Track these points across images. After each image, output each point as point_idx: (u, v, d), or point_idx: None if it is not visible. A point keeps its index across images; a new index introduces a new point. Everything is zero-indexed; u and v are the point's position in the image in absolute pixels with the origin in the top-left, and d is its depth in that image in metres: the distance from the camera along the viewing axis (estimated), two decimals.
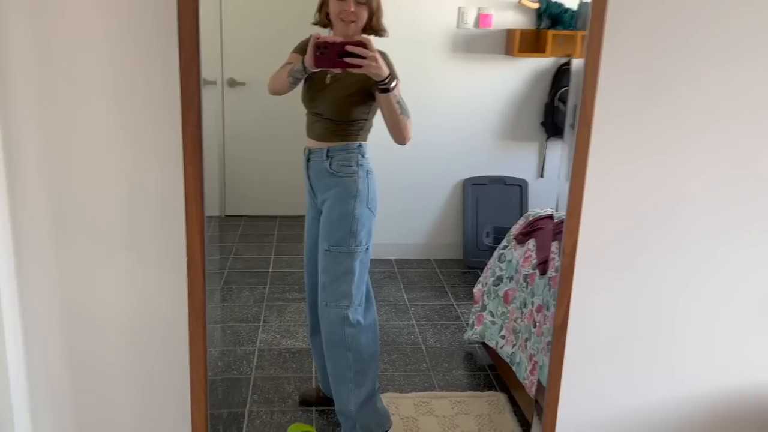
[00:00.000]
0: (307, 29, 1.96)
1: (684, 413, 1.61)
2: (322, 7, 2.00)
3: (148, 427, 1.50)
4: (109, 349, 1.42)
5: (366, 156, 2.02)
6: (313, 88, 1.99)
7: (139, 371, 1.45)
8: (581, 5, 3.08)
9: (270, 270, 3.49)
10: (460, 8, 3.39)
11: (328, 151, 1.99)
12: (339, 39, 1.76)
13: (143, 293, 1.39)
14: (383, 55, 1.89)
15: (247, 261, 3.60)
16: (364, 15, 1.90)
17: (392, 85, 1.80)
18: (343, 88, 1.93)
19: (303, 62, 1.83)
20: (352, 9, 1.87)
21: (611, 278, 1.49)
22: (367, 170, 2.02)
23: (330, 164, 2.00)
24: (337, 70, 1.81)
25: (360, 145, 2.00)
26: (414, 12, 3.33)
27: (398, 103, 1.84)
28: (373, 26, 1.95)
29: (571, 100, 2.33)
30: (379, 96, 1.82)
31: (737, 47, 1.43)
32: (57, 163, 1.32)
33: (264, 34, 3.57)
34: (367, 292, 2.12)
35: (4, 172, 1.30)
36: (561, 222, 1.67)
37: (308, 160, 2.06)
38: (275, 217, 4.13)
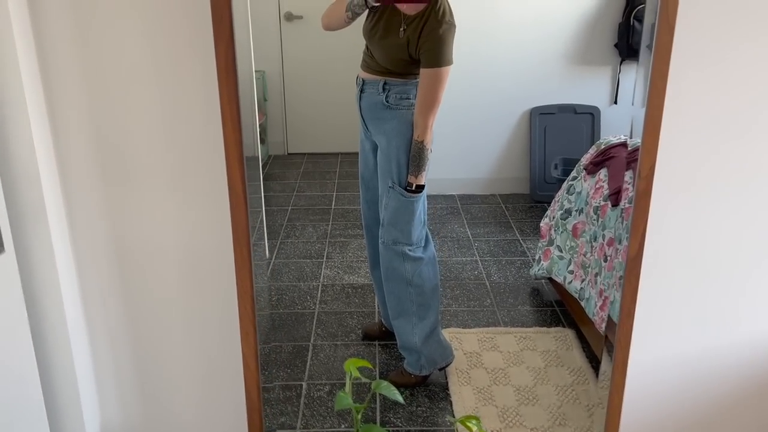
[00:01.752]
0: None
1: (759, 354, 1.49)
2: None
3: (200, 362, 1.52)
4: (160, 284, 1.43)
5: None
6: (380, 33, 1.87)
7: (190, 305, 1.46)
8: None
9: (332, 207, 3.48)
10: None
11: (384, 83, 1.91)
12: None
13: (189, 227, 1.38)
14: (445, 35, 1.77)
15: (310, 198, 3.60)
16: None
17: None
18: (404, 50, 1.82)
19: None
20: None
21: (690, 205, 1.35)
22: None
23: (386, 97, 1.91)
24: (404, 7, 1.73)
25: (417, 79, 1.91)
26: None
27: None
28: None
29: (648, 17, 2.13)
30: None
31: None
32: (98, 104, 1.30)
33: None
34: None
35: (48, 117, 1.29)
36: (635, 150, 1.54)
37: (362, 91, 1.98)
38: (337, 154, 4.09)
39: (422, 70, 1.82)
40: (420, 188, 1.93)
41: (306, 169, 3.97)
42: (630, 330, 1.36)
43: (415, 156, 1.89)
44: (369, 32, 1.92)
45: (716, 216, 1.37)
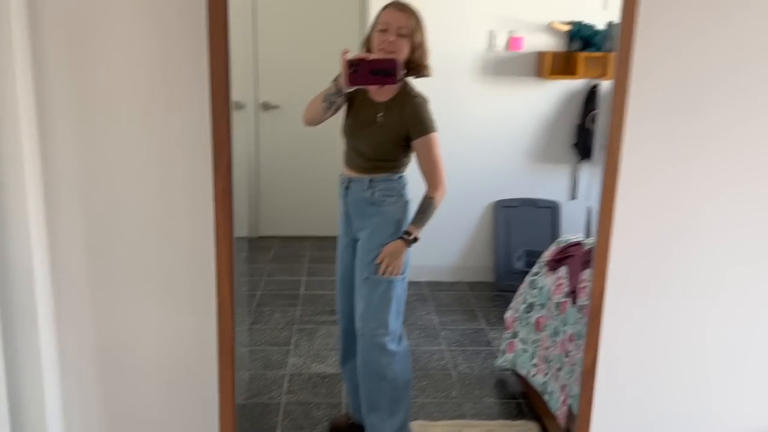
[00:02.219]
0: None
1: None
2: (367, 42, 2.00)
3: None
4: (141, 384, 1.46)
5: (407, 187, 2.04)
6: (359, 124, 1.99)
7: (170, 409, 1.48)
8: (611, 26, 3.06)
9: (301, 292, 3.52)
10: (490, 31, 3.40)
11: (370, 181, 2.01)
12: (371, 56, 1.79)
13: (174, 331, 1.42)
14: (421, 107, 1.92)
15: (279, 283, 3.63)
16: (405, 48, 1.90)
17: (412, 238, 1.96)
18: (388, 131, 1.95)
19: (336, 83, 1.86)
20: (392, 39, 1.88)
21: (640, 320, 1.46)
22: (407, 201, 2.04)
23: (372, 193, 2.01)
24: (374, 88, 1.86)
25: (401, 177, 2.03)
26: (445, 36, 3.31)
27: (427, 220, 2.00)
28: (415, 61, 1.94)
29: (602, 121, 2.30)
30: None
31: None
32: (92, 204, 1.37)
33: (299, 58, 3.63)
34: None
35: (43, 212, 1.35)
36: (590, 250, 1.65)
37: (347, 188, 2.07)
38: (307, 237, 4.17)
39: (416, 142, 1.94)
40: (415, 240, 2.01)
41: (277, 253, 4.01)
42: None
43: (423, 209, 1.99)
44: (350, 129, 2.03)
45: (666, 329, 1.48)
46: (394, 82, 1.75)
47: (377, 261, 1.98)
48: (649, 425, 1.55)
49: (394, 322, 2.05)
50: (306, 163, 3.82)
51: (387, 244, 2.00)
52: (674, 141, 1.42)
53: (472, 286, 3.63)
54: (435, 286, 3.59)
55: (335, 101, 1.93)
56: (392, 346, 2.05)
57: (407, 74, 1.96)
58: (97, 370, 1.43)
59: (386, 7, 1.94)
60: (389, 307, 2.02)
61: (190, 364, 1.44)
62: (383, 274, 1.97)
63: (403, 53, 1.90)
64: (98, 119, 1.34)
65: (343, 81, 1.81)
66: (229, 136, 1.21)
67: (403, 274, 2.05)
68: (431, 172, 1.98)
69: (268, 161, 3.63)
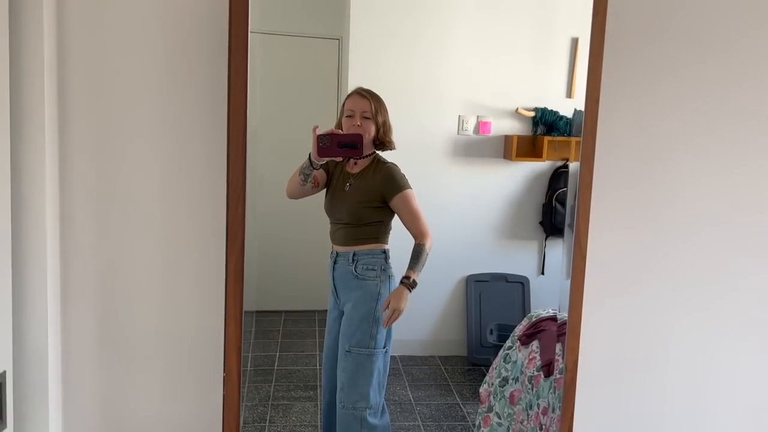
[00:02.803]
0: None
1: None
2: (338, 127, 2.21)
3: None
4: None
5: (389, 261, 2.15)
6: (334, 197, 2.15)
7: None
8: (576, 113, 3.30)
9: (275, 367, 3.50)
10: (460, 116, 3.61)
11: (354, 254, 2.12)
12: (338, 131, 1.98)
13: (179, 405, 1.45)
14: (393, 171, 2.07)
15: (253, 358, 3.61)
16: (372, 129, 2.12)
17: (411, 281, 2.07)
18: (359, 194, 2.09)
19: (309, 157, 2.00)
20: (359, 123, 2.09)
21: (614, 392, 1.55)
22: (390, 275, 2.14)
23: (355, 267, 2.11)
24: (338, 159, 2.02)
25: (384, 251, 2.13)
26: (417, 120, 3.54)
27: (422, 265, 2.11)
28: (380, 138, 2.15)
29: (569, 200, 2.46)
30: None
31: (734, 139, 1.54)
32: (104, 282, 1.42)
33: (281, 139, 3.77)
34: None
35: (58, 293, 1.40)
36: (563, 323, 1.75)
37: (335, 262, 2.18)
38: (280, 312, 4.17)
39: (394, 201, 2.10)
40: (414, 284, 2.11)
41: (247, 328, 4.00)
42: None
43: (415, 255, 2.12)
44: (328, 202, 2.18)
45: (641, 403, 1.56)
46: (359, 155, 1.94)
47: (382, 309, 2.05)
48: None
49: (375, 395, 2.09)
50: (279, 239, 3.90)
51: (369, 316, 2.07)
52: (639, 215, 1.54)
53: (445, 360, 3.68)
54: (408, 360, 3.62)
55: (309, 173, 2.08)
56: (373, 420, 2.08)
57: (376, 149, 2.16)
58: None
59: (350, 95, 2.18)
60: (370, 381, 2.07)
61: None
62: (388, 323, 2.04)
63: (369, 133, 2.13)
64: (116, 205, 1.41)
65: (313, 154, 1.96)
66: (243, 213, 1.29)
67: (385, 347, 2.11)
68: (415, 223, 2.10)
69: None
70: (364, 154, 2.17)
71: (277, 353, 3.68)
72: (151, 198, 1.40)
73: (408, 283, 2.10)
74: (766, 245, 1.59)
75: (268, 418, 2.92)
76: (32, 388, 1.31)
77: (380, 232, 2.15)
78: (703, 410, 1.60)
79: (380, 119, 2.16)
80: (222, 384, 1.40)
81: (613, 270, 1.53)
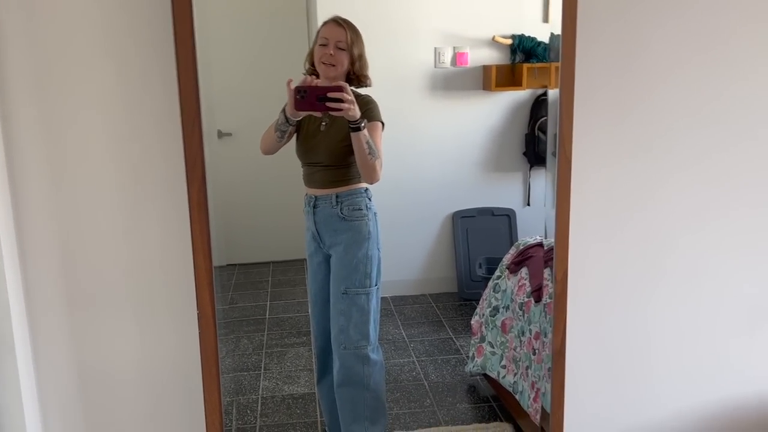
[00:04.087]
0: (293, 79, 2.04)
1: (682, 426, 1.65)
2: (310, 55, 2.08)
3: None
4: (123, 403, 1.44)
5: (372, 199, 2.08)
6: (308, 139, 2.05)
7: (153, 424, 1.46)
8: (552, 38, 3.20)
9: (267, 316, 3.50)
10: (436, 48, 3.51)
11: (337, 196, 2.04)
12: (316, 82, 1.84)
13: (155, 349, 1.41)
14: (370, 101, 1.98)
15: (243, 309, 3.60)
16: (345, 60, 1.99)
17: (362, 125, 1.84)
18: (337, 133, 1.99)
19: (284, 113, 1.90)
20: (332, 52, 1.97)
21: (603, 302, 1.54)
22: (375, 212, 2.08)
23: (341, 209, 2.04)
24: (318, 114, 1.89)
25: (366, 189, 2.07)
26: (392, 54, 3.44)
27: (368, 143, 1.88)
28: (356, 72, 2.03)
29: (551, 129, 2.41)
30: (352, 135, 1.86)
31: (713, 61, 1.49)
32: (65, 225, 1.36)
33: (250, 85, 3.66)
34: None
35: (15, 236, 1.34)
36: (551, 249, 1.73)
37: (315, 206, 2.09)
38: (268, 263, 4.16)
39: (351, 135, 1.88)
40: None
41: (237, 281, 3.99)
42: (561, 419, 1.47)
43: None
44: (301, 147, 2.07)
45: (629, 309, 1.55)
46: (340, 109, 1.77)
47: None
48: (620, 404, 1.61)
49: (373, 332, 2.08)
50: (261, 190, 3.84)
51: (363, 257, 2.04)
52: (621, 139, 1.51)
53: (436, 297, 3.69)
54: (399, 300, 3.63)
55: (286, 130, 1.97)
56: (374, 356, 2.08)
57: (350, 84, 2.04)
58: (76, 391, 1.41)
59: (326, 22, 2.04)
60: (369, 318, 2.05)
61: (172, 383, 1.43)
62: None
63: (342, 65, 1.99)
64: (70, 144, 1.34)
65: (289, 109, 1.85)
66: (201, 138, 1.23)
67: (377, 284, 2.08)
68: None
69: (223, 189, 3.63)
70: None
71: (268, 303, 3.67)
72: (105, 136, 1.33)
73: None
74: (753, 149, 1.56)
75: (263, 366, 2.92)
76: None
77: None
78: (690, 316, 1.60)
79: (356, 51, 2.02)
80: (197, 323, 1.35)
81: (599, 177, 1.49)
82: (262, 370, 2.88)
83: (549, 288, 2.11)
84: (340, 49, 1.99)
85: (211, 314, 1.29)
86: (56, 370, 1.40)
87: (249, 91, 3.67)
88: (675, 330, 1.60)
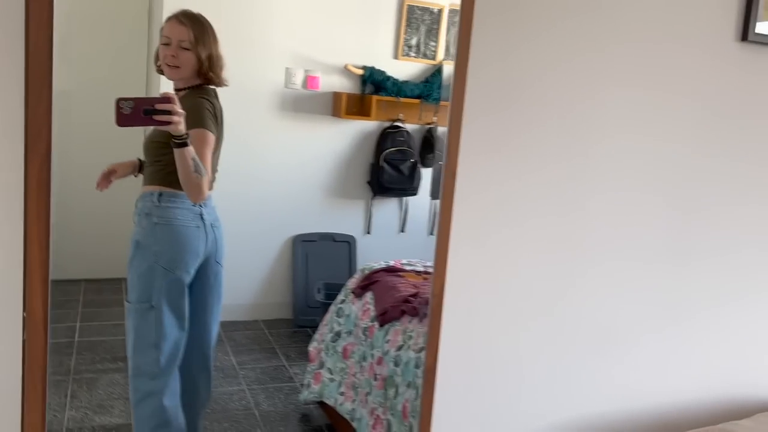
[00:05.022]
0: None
1: None
2: (156, 56, 1.93)
3: None
4: None
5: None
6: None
7: None
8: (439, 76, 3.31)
9: (76, 339, 3.11)
10: (287, 68, 3.46)
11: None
12: (145, 97, 1.70)
13: None
14: (205, 101, 1.86)
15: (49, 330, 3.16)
16: (191, 61, 1.87)
17: (188, 140, 1.70)
18: (155, 132, 1.84)
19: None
20: (173, 54, 1.84)
21: (476, 319, 1.53)
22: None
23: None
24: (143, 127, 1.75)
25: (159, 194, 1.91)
26: (242, 68, 3.30)
27: (193, 159, 1.73)
28: (204, 72, 1.91)
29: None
30: (175, 151, 1.71)
31: (592, 88, 1.58)
32: None
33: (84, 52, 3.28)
34: None
35: None
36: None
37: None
38: (79, 281, 3.72)
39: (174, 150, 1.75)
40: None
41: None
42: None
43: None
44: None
45: (499, 327, 1.57)
46: (170, 122, 1.62)
47: None
48: (487, 421, 1.61)
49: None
50: (72, 201, 3.44)
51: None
52: (504, 163, 1.51)
53: (270, 324, 3.55)
54: (230, 326, 3.42)
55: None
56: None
57: (204, 83, 1.93)
58: None
59: (168, 19, 1.91)
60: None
61: None
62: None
63: (188, 66, 1.88)
64: None
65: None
66: (50, 112, 1.03)
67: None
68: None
69: None
70: (182, 88, 1.92)
71: (78, 324, 3.27)
72: None
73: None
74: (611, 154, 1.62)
75: (69, 393, 2.56)
76: None
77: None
78: (552, 337, 1.64)
79: (203, 51, 1.88)
80: (21, 327, 1.13)
81: (481, 192, 1.48)
82: (68, 398, 2.52)
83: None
84: (184, 48, 1.85)
85: (42, 318, 1.08)
86: None
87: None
88: (542, 346, 1.63)
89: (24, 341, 1.14)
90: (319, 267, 3.61)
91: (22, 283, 1.11)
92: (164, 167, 1.83)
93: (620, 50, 1.60)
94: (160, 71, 1.93)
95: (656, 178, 1.71)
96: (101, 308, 3.47)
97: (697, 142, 1.75)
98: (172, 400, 1.95)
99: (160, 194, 1.87)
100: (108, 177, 1.98)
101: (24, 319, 1.14)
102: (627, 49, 1.61)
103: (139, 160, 2.02)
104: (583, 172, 1.61)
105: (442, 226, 1.38)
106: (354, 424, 2.26)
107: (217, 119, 1.91)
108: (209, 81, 1.94)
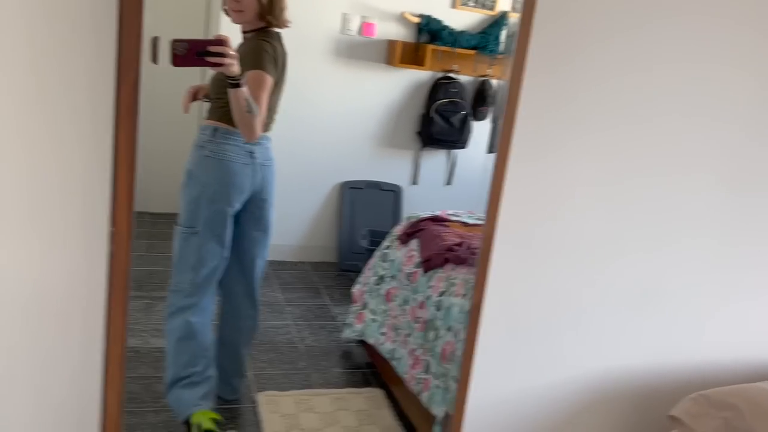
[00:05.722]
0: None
1: (581, 387, 1.78)
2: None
3: (49, 415, 1.35)
4: (10, 325, 1.27)
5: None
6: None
7: (40, 354, 1.30)
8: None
9: (134, 268, 3.28)
10: (343, 14, 3.46)
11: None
12: (198, 39, 1.74)
13: (55, 265, 1.25)
14: (265, 44, 1.90)
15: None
16: (252, 4, 1.91)
17: (242, 81, 1.76)
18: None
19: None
20: None
21: (524, 263, 1.57)
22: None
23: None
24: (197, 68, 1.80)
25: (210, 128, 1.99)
26: (297, 14, 3.31)
27: (246, 99, 1.79)
28: (265, 14, 1.94)
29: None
30: (229, 91, 1.78)
31: (645, 57, 1.56)
32: None
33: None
34: None
35: None
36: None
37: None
38: (139, 213, 3.89)
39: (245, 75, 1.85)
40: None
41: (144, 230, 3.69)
42: (469, 370, 1.52)
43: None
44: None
45: (546, 272, 1.61)
46: (222, 64, 1.66)
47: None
48: (525, 365, 1.68)
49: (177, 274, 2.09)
50: (155, 139, 3.57)
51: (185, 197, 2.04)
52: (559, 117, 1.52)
53: (315, 265, 3.67)
54: (278, 265, 3.56)
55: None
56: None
57: (267, 26, 1.97)
58: None
59: None
60: (176, 260, 2.09)
61: (69, 304, 1.28)
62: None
63: (249, 9, 1.92)
64: None
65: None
66: (141, 35, 1.09)
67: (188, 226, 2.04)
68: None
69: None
70: (246, 32, 1.97)
71: (134, 254, 3.44)
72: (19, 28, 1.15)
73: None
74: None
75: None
76: None
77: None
78: (592, 290, 1.69)
79: None
80: (109, 240, 1.22)
81: (538, 147, 1.49)
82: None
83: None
84: None
85: (126, 233, 1.18)
86: None
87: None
88: (581, 306, 1.68)
89: (110, 254, 1.23)
90: (364, 214, 3.69)
91: (110, 202, 1.20)
92: (223, 105, 1.90)
93: (688, 20, 1.57)
94: (227, 14, 1.99)
95: (716, 145, 1.69)
96: (157, 240, 3.64)
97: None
98: (200, 317, 2.07)
99: (215, 129, 1.96)
100: (194, 95, 2.07)
101: (111, 233, 1.22)
102: (691, 22, 1.57)
103: None
104: (640, 138, 1.61)
105: (495, 177, 1.41)
106: (393, 363, 2.36)
107: (277, 62, 1.96)
108: (270, 24, 1.98)
